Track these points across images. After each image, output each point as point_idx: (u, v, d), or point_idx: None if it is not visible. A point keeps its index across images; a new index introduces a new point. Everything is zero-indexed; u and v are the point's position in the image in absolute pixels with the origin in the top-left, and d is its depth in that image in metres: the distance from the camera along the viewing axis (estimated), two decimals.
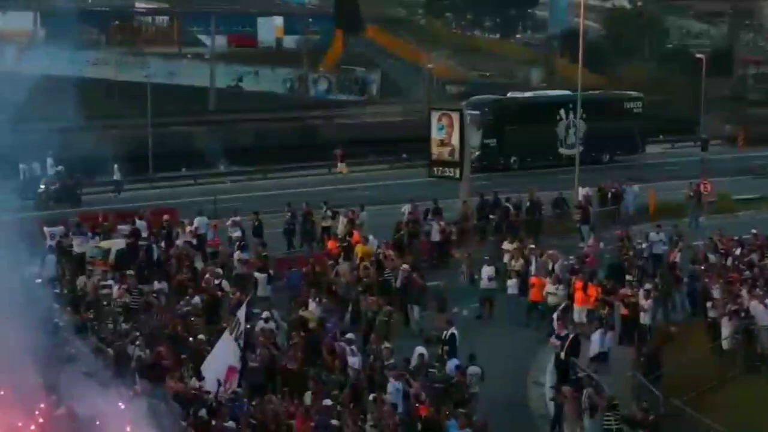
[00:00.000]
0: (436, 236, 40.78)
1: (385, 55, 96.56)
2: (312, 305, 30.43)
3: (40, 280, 29.73)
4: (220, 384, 22.83)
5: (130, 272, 32.18)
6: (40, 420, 16.68)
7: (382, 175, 62.48)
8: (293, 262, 36.47)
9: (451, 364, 25.91)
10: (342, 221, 41.36)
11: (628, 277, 33.95)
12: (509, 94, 69.73)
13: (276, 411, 21.86)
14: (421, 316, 32.78)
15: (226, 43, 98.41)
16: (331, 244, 38.67)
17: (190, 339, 26.20)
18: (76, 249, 36.99)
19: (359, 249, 37.40)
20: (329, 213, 42.27)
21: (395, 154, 65.82)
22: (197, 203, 45.04)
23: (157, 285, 31.38)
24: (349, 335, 27.45)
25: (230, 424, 21.05)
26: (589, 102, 63.39)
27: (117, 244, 37.32)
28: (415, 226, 41.63)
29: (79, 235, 37.50)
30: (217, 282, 31.98)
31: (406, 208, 43.18)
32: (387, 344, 26.89)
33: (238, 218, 40.82)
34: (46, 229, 37.92)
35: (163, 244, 37.40)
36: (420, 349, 26.38)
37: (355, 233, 39.11)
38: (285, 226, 41.84)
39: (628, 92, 71.23)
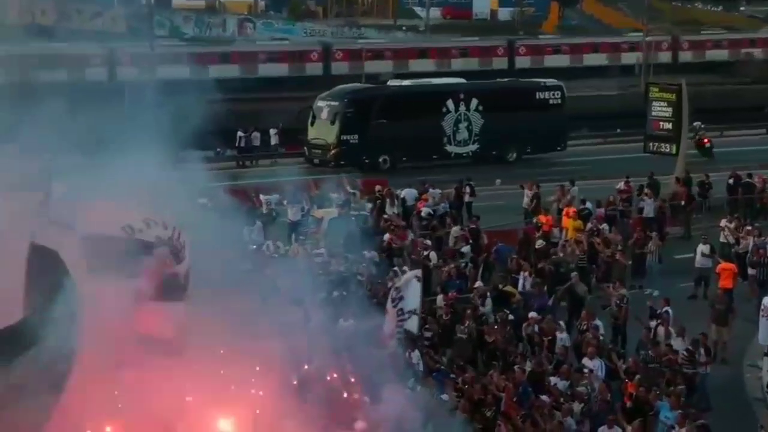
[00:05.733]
0: (650, 213, 39.87)
1: (601, 27, 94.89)
2: (522, 279, 30.28)
3: (254, 247, 30.50)
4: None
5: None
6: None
7: (596, 150, 60.41)
8: (504, 236, 36.25)
9: (677, 344, 25.45)
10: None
11: None
12: (389, 83, 59.30)
13: (484, 384, 21.82)
14: None
15: (441, 14, 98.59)
16: (543, 218, 38.23)
17: None
18: (291, 217, 37.64)
19: (569, 224, 36.90)
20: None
21: (610, 129, 63.25)
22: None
23: (367, 254, 31.60)
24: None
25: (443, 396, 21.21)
26: (488, 91, 57.27)
27: (329, 213, 37.85)
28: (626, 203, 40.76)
29: (294, 204, 38.14)
30: (425, 253, 32.08)
31: (621, 184, 42.40)
32: (597, 321, 26.63)
33: (439, 191, 40.90)
34: (262, 197, 38.68)
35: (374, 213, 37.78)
36: None
37: (567, 208, 38.58)
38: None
39: (545, 80, 59.16)
